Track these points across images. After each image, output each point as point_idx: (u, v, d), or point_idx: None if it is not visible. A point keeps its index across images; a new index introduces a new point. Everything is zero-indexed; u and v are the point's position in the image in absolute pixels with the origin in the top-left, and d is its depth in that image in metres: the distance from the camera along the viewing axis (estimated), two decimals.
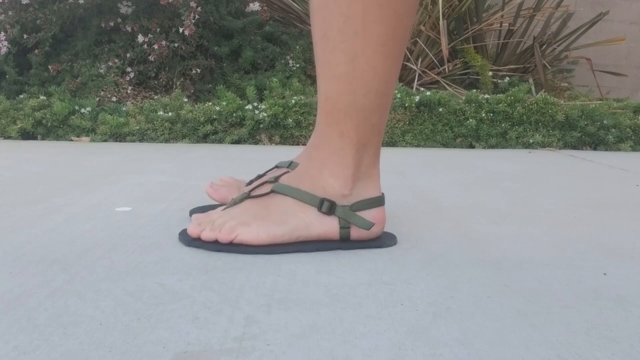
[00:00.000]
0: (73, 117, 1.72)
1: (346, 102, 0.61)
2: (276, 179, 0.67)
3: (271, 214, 0.63)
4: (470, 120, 1.78)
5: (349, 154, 0.63)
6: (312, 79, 2.10)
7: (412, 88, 1.96)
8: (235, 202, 0.66)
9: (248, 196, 0.66)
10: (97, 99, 1.83)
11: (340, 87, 0.60)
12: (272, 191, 0.65)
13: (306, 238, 0.63)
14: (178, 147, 1.63)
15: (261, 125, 1.73)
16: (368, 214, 0.64)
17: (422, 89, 1.98)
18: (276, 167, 0.76)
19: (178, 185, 1.01)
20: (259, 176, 0.77)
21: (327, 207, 0.63)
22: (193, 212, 0.76)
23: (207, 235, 0.62)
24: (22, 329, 0.42)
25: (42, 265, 0.56)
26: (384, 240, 0.66)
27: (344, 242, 0.64)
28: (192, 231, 0.63)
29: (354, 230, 0.64)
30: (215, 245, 0.62)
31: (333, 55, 0.59)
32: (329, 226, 0.63)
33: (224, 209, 0.66)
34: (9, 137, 1.74)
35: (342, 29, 0.57)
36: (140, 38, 1.89)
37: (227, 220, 0.63)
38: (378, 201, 0.65)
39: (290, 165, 0.71)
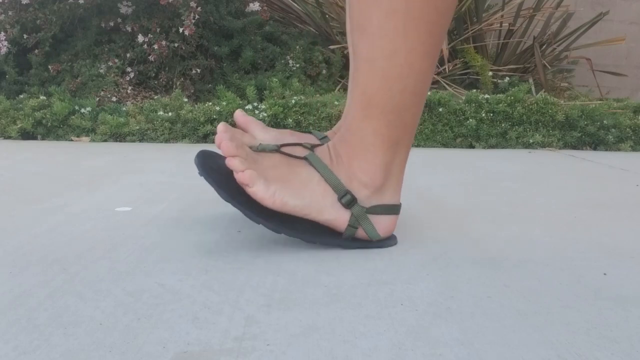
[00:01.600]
0: (73, 117, 1.72)
1: (383, 99, 0.60)
2: (312, 147, 0.65)
3: (294, 180, 0.61)
4: (470, 120, 1.78)
5: (380, 152, 0.62)
6: (312, 79, 2.10)
7: None
8: (263, 149, 0.63)
9: (278, 149, 0.63)
10: (97, 99, 1.83)
11: (378, 83, 0.59)
12: (306, 158, 0.63)
13: (314, 219, 0.62)
14: (178, 147, 1.63)
15: None
16: (381, 220, 0.64)
17: None
18: (311, 132, 0.73)
19: (178, 185, 1.01)
20: (277, 147, 0.70)
21: (347, 200, 0.62)
22: (201, 154, 0.65)
23: (234, 163, 0.58)
24: (22, 329, 0.42)
25: (42, 265, 0.56)
26: (384, 240, 0.66)
27: (345, 240, 0.64)
28: (226, 145, 0.58)
29: (360, 231, 0.63)
30: (225, 184, 0.58)
31: (372, 50, 0.58)
32: (339, 217, 0.62)
33: (254, 149, 0.63)
34: (9, 137, 1.74)
35: (383, 25, 0.57)
36: (140, 38, 1.89)
37: (254, 165, 0.59)
38: (394, 209, 0.65)
39: (324, 139, 0.69)
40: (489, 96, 1.83)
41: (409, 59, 0.58)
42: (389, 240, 0.66)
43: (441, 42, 0.60)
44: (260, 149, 0.63)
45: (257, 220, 0.60)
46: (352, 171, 0.63)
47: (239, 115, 0.73)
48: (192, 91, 1.97)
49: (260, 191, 0.58)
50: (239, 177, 0.58)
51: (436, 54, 0.61)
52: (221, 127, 0.62)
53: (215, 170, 0.61)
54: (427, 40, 0.58)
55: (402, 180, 0.66)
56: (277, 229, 0.61)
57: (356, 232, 0.63)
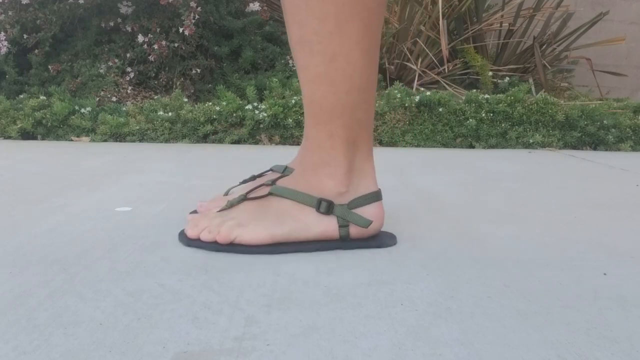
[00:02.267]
0: (73, 117, 1.72)
1: (331, 102, 0.61)
2: (273, 182, 0.67)
3: (269, 215, 0.63)
4: (470, 120, 1.78)
5: (340, 153, 0.63)
6: None
7: (412, 88, 1.96)
8: (232, 204, 0.66)
9: (245, 198, 0.66)
10: (97, 99, 1.83)
11: (323, 88, 0.61)
12: (270, 193, 0.65)
13: (306, 239, 0.63)
14: (178, 147, 1.63)
15: (261, 125, 1.73)
16: (366, 210, 0.64)
17: (422, 89, 1.98)
18: (271, 170, 0.76)
19: (178, 185, 1.01)
20: (253, 177, 0.77)
21: (325, 207, 0.63)
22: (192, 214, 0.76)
23: (205, 236, 0.62)
24: (22, 329, 0.42)
25: (42, 265, 0.56)
26: (383, 239, 0.66)
27: (344, 241, 0.64)
28: (191, 233, 0.64)
29: (353, 228, 0.64)
30: (215, 246, 0.62)
31: (312, 57, 0.60)
32: (328, 226, 0.63)
33: (220, 210, 0.67)
34: (9, 137, 1.74)
35: (318, 31, 0.58)
36: (140, 38, 1.89)
37: (225, 221, 0.63)
38: (375, 196, 0.65)
39: (285, 170, 0.72)
40: (489, 96, 1.83)
41: (350, 59, 0.59)
42: (388, 240, 0.66)
43: (379, 36, 0.62)
44: (229, 205, 0.66)
45: (261, 252, 0.61)
46: (320, 179, 0.64)
47: (199, 205, 0.76)
48: (192, 91, 1.97)
49: (242, 235, 0.62)
50: (219, 239, 0.62)
51: (376, 48, 0.62)
52: (188, 218, 0.68)
53: (197, 239, 0.64)
54: (364, 38, 0.59)
55: (374, 169, 0.67)
56: (274, 250, 0.62)
57: (350, 230, 0.64)
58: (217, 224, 0.63)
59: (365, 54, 0.60)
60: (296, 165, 0.68)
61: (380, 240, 0.66)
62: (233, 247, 0.62)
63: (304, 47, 0.60)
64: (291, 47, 0.63)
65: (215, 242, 0.62)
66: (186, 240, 0.64)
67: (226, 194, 0.77)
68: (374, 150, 0.68)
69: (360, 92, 0.61)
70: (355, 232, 0.64)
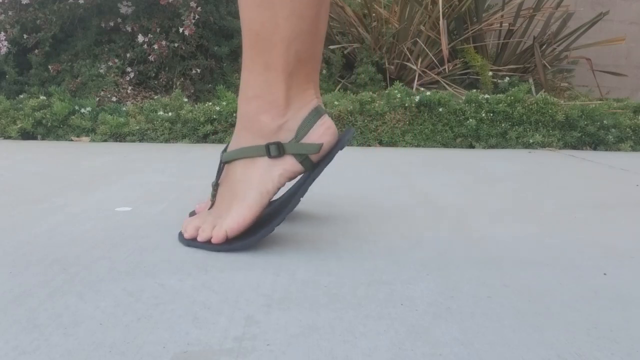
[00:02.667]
0: (73, 117, 1.72)
1: (269, 30, 0.59)
2: (224, 151, 0.66)
3: (237, 186, 0.63)
4: (470, 120, 1.78)
5: (276, 85, 0.61)
6: None
7: (412, 88, 1.96)
8: (213, 196, 0.66)
9: (217, 184, 0.66)
10: (97, 99, 1.83)
11: (262, 14, 0.59)
12: (222, 163, 0.64)
13: (277, 187, 0.62)
14: (178, 147, 1.63)
15: None
16: (315, 133, 0.62)
17: (422, 89, 1.98)
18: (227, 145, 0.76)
19: (178, 185, 1.01)
20: (221, 162, 0.76)
21: (275, 150, 0.62)
22: (192, 215, 0.76)
23: (201, 237, 0.62)
24: (22, 329, 0.42)
25: (42, 265, 0.56)
26: (342, 140, 0.63)
27: (313, 172, 0.63)
28: (188, 235, 0.64)
29: (312, 156, 0.62)
30: (214, 246, 0.62)
31: None
32: (288, 164, 0.62)
33: (209, 208, 0.67)
34: (9, 137, 1.74)
35: None
36: (140, 38, 1.89)
37: (214, 219, 0.63)
38: (317, 113, 0.63)
39: (246, 151, 0.71)
40: (489, 96, 1.83)
41: None
42: (346, 136, 0.64)
43: None
44: (213, 199, 0.67)
45: (258, 235, 0.62)
46: (257, 119, 0.62)
47: (197, 207, 0.76)
48: (192, 91, 1.97)
49: (230, 227, 0.61)
50: (214, 240, 0.62)
51: None
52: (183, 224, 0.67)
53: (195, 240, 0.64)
54: None
55: (310, 86, 0.64)
56: (269, 230, 0.62)
57: (311, 158, 0.62)
58: (209, 222, 0.63)
59: None
60: (237, 118, 0.66)
61: (341, 142, 0.63)
62: (231, 245, 0.61)
63: None
64: None
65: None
66: (185, 240, 0.64)
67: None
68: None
69: (300, 20, 0.59)
70: (316, 156, 0.63)
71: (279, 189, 0.63)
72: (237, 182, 0.63)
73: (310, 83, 0.64)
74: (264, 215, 0.67)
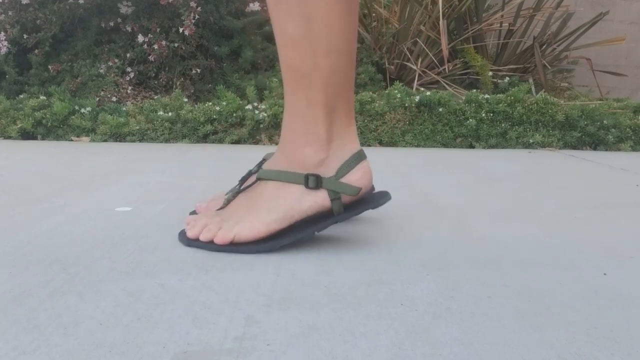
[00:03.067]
0: (73, 117, 1.72)
1: (308, 66, 0.60)
2: (259, 166, 0.67)
3: (261, 202, 0.63)
4: (470, 120, 1.78)
5: (319, 119, 0.62)
6: None
7: (412, 88, 1.96)
8: (228, 200, 0.66)
9: (239, 191, 0.66)
10: (97, 99, 1.83)
11: (301, 52, 0.60)
12: (258, 179, 0.65)
13: (300, 216, 0.62)
14: (178, 147, 1.63)
15: (261, 125, 1.72)
16: (354, 175, 0.63)
17: (422, 89, 1.98)
18: (264, 159, 0.76)
19: (178, 185, 1.01)
20: (250, 172, 0.77)
21: (314, 181, 0.62)
22: (192, 214, 0.76)
23: (205, 236, 0.62)
24: (22, 329, 0.42)
25: (42, 265, 0.56)
26: (377, 199, 0.64)
27: (339, 214, 0.63)
28: (190, 234, 0.64)
29: (344, 197, 0.63)
30: (216, 246, 0.62)
31: (289, 20, 0.59)
32: (320, 198, 0.62)
33: (219, 209, 0.67)
34: (9, 137, 1.74)
35: None
36: (140, 38, 1.89)
37: (223, 221, 0.63)
38: (359, 157, 0.64)
39: (282, 175, 0.72)
40: (489, 96, 1.83)
41: (327, 21, 0.58)
42: (382, 199, 0.64)
43: None
44: (226, 202, 0.66)
45: (261, 249, 0.62)
46: (300, 148, 0.63)
47: (197, 206, 0.76)
48: (192, 91, 1.97)
49: (240, 232, 0.62)
50: (217, 241, 0.62)
51: (355, 10, 0.61)
52: (186, 221, 0.67)
53: (196, 240, 0.64)
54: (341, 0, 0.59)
55: (354, 130, 0.66)
56: (275, 245, 0.62)
57: (342, 199, 0.63)
58: (216, 223, 0.63)
59: (342, 15, 0.59)
60: (279, 144, 0.67)
61: (374, 200, 0.64)
62: (234, 247, 0.62)
63: (280, 9, 0.59)
64: (269, 10, 0.62)
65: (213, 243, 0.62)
66: (186, 240, 0.64)
67: (227, 194, 0.76)
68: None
69: (338, 56, 0.60)
70: (348, 199, 0.63)
71: (303, 219, 0.63)
72: (263, 198, 0.63)
73: (351, 120, 0.65)
74: None
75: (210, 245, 0.62)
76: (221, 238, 0.61)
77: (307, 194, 0.62)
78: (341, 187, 0.62)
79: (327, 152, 0.63)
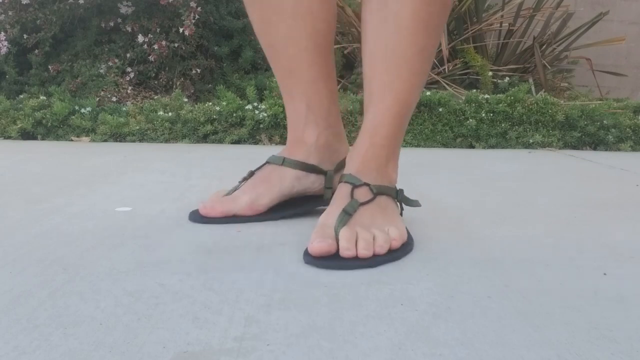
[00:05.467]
0: (73, 117, 1.72)
1: (415, 96, 0.67)
2: (350, 179, 0.65)
3: (392, 213, 0.66)
4: (470, 120, 1.78)
5: (399, 149, 0.71)
6: None
7: None
8: (348, 213, 0.61)
9: (359, 203, 0.63)
10: (97, 99, 1.83)
11: (412, 80, 0.65)
12: (377, 194, 0.64)
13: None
14: (178, 147, 1.63)
15: (261, 125, 1.73)
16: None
17: None
18: (268, 162, 0.76)
19: (178, 185, 1.01)
20: (251, 172, 0.77)
21: (402, 196, 0.70)
22: (192, 215, 0.76)
23: (365, 253, 0.58)
24: (22, 329, 0.42)
25: (42, 265, 0.56)
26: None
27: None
28: (344, 254, 0.57)
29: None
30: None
31: (408, 46, 0.63)
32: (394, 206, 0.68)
33: (340, 220, 0.60)
34: (9, 137, 1.74)
35: (416, 21, 0.63)
36: (140, 38, 1.89)
37: (376, 233, 0.60)
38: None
39: (284, 162, 0.75)
40: (489, 96, 1.83)
41: (431, 53, 0.65)
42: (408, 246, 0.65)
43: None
44: (347, 215, 0.61)
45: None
46: (389, 173, 0.69)
47: (205, 211, 0.76)
48: (192, 91, 1.97)
49: (394, 238, 0.61)
50: (379, 252, 0.59)
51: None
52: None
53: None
54: (438, 36, 0.65)
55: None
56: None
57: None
58: (367, 237, 0.59)
59: (434, 51, 0.67)
60: (366, 158, 0.67)
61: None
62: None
63: (399, 32, 0.63)
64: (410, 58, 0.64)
65: (374, 255, 0.59)
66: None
67: (229, 193, 0.76)
68: None
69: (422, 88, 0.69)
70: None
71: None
72: (390, 207, 0.67)
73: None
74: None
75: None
76: (379, 248, 0.59)
77: (394, 206, 0.70)
78: (409, 202, 0.72)
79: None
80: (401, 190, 0.70)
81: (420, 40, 0.63)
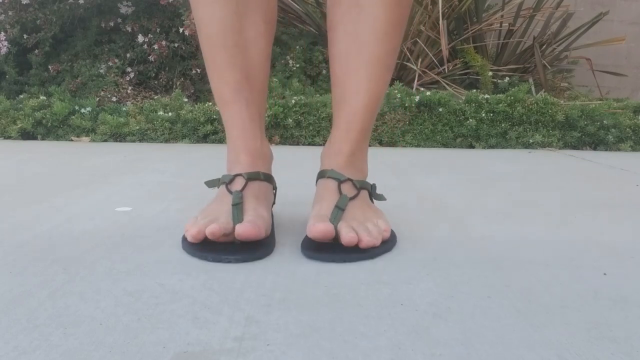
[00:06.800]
0: (73, 117, 1.72)
1: (384, 92, 0.69)
2: (357, 183, 0.68)
3: (371, 206, 0.68)
4: (470, 120, 1.78)
5: (366, 146, 0.72)
6: (312, 79, 2.10)
7: (412, 88, 1.96)
8: (341, 209, 0.63)
9: (348, 198, 0.65)
10: (97, 99, 1.83)
11: (387, 79, 0.68)
12: (360, 189, 0.67)
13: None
14: (178, 147, 1.63)
15: None
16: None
17: (422, 89, 1.98)
18: (249, 179, 0.73)
19: (178, 185, 1.01)
20: (231, 191, 0.69)
21: (375, 190, 0.71)
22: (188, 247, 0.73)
23: (369, 239, 0.60)
24: (22, 329, 0.42)
25: (42, 265, 0.56)
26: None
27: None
28: (349, 241, 0.59)
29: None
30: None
31: (387, 51, 0.65)
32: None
33: (334, 215, 0.62)
34: (9, 137, 1.74)
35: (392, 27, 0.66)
36: (140, 38, 1.89)
37: (367, 226, 0.62)
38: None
39: (264, 176, 0.71)
40: (489, 96, 1.83)
41: (398, 50, 0.68)
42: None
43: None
44: (339, 211, 0.64)
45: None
46: (362, 167, 0.70)
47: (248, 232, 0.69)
48: (192, 91, 1.97)
49: (386, 229, 0.64)
50: (376, 243, 0.62)
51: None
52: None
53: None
54: (403, 33, 0.69)
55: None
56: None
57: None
58: (366, 229, 0.62)
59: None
60: (335, 156, 0.69)
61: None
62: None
63: (396, 55, 0.68)
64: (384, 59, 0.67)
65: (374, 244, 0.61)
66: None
67: (230, 192, 0.74)
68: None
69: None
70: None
71: None
72: (369, 204, 0.69)
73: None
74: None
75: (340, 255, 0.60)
76: (375, 239, 0.61)
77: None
78: (375, 194, 0.72)
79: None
80: (374, 185, 0.71)
81: (394, 39, 0.65)
